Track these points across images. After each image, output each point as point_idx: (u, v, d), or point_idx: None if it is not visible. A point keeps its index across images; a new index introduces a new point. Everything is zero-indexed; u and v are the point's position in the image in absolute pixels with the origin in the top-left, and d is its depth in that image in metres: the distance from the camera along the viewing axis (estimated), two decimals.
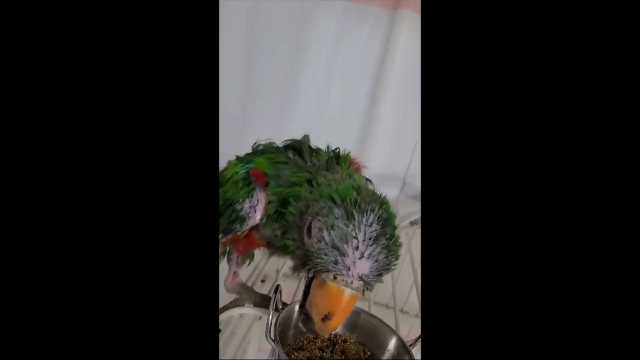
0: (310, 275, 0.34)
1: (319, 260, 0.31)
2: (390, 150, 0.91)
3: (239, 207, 0.40)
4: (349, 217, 0.30)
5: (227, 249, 0.49)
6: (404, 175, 0.94)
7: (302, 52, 0.85)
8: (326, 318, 0.32)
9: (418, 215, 0.84)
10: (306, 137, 0.51)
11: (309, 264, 0.34)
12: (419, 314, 0.56)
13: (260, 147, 0.48)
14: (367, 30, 0.84)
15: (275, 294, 0.45)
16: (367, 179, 0.46)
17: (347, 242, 0.30)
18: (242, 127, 0.85)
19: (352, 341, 0.48)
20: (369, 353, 0.47)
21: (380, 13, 0.83)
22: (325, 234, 0.31)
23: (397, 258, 0.32)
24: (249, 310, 0.53)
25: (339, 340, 0.48)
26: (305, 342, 0.47)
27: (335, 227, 0.30)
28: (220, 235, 0.43)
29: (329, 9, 0.83)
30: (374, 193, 0.34)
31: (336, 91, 0.89)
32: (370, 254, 0.30)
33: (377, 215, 0.31)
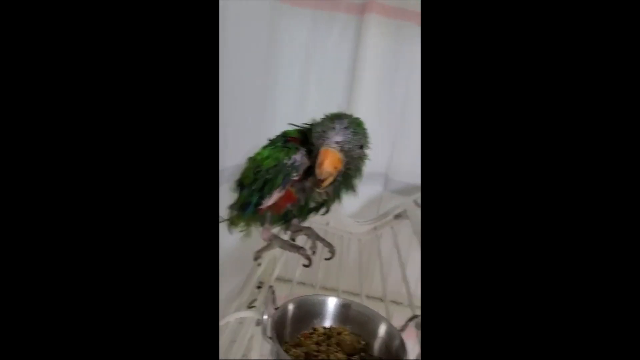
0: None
1: (315, 135, 0.55)
2: (369, 149, 0.93)
3: (291, 161, 0.58)
4: (332, 120, 0.54)
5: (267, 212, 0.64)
6: (385, 172, 0.97)
7: (275, 62, 0.88)
8: (320, 165, 0.52)
9: (402, 209, 0.87)
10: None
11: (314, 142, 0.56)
12: (410, 304, 0.59)
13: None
14: (336, 36, 0.87)
15: (270, 295, 0.48)
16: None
17: (328, 128, 0.53)
18: (222, 136, 0.87)
19: (346, 333, 0.51)
20: (363, 342, 0.50)
21: (348, 19, 0.86)
22: (318, 127, 0.55)
23: (359, 140, 0.55)
24: (247, 314, 0.55)
25: (334, 333, 0.50)
26: (302, 339, 0.49)
27: (324, 124, 0.55)
28: (278, 189, 0.58)
29: (297, 18, 0.86)
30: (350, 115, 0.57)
31: (312, 97, 0.91)
32: (342, 133, 0.53)
33: (349, 120, 0.55)
